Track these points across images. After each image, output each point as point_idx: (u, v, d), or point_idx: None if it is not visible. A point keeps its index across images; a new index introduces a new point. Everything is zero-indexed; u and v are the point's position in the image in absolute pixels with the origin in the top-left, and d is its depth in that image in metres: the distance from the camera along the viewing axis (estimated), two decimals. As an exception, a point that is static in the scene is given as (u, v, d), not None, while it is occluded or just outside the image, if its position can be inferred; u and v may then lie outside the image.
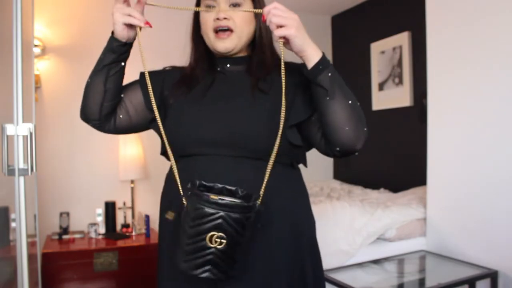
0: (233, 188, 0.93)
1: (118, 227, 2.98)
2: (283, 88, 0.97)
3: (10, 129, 1.10)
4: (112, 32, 1.06)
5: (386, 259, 2.24)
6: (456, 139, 2.22)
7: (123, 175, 2.93)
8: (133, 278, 2.60)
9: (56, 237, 2.75)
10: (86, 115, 1.11)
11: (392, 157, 3.31)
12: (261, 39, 1.11)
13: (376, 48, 3.41)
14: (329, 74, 0.97)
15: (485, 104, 2.07)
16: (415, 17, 2.92)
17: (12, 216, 1.29)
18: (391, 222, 2.27)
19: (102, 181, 3.05)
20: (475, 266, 2.07)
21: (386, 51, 3.32)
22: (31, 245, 1.41)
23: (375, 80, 3.43)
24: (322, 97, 0.97)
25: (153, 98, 1.02)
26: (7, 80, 1.12)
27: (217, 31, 1.06)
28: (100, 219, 2.86)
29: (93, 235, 2.79)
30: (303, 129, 1.08)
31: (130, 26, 1.05)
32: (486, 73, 2.06)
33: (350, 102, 0.98)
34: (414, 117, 3.07)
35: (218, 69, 1.13)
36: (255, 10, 1.05)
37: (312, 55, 0.96)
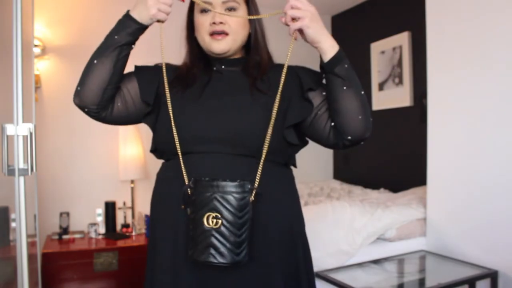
0: (233, 180, 0.97)
1: (118, 227, 2.98)
2: (280, 86, 1.01)
3: (10, 129, 1.10)
4: (127, 14, 1.04)
5: (386, 259, 2.24)
6: (456, 139, 2.22)
7: (123, 175, 2.93)
8: (133, 278, 2.60)
9: (56, 237, 2.75)
10: (84, 99, 1.05)
11: (392, 157, 3.31)
12: (257, 42, 1.14)
13: (376, 48, 3.42)
14: (346, 66, 1.01)
15: (485, 104, 2.07)
16: (415, 17, 2.92)
17: (12, 216, 1.29)
18: (391, 222, 2.27)
19: (102, 181, 3.05)
20: (475, 266, 2.07)
21: (386, 51, 3.32)
22: (31, 245, 1.41)
23: (375, 80, 3.44)
24: (339, 86, 1.01)
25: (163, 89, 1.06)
26: (7, 80, 1.12)
27: (212, 34, 1.09)
28: (100, 219, 2.86)
29: (93, 235, 2.79)
30: (306, 127, 1.09)
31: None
32: (486, 73, 2.06)
33: (362, 92, 1.03)
34: (414, 117, 3.07)
35: (214, 68, 1.14)
36: (276, 12, 1.05)
37: (328, 47, 1.00)
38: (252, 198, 0.97)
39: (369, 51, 3.48)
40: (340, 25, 3.90)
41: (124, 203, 3.02)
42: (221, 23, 1.07)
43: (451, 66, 2.24)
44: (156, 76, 1.14)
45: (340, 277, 1.96)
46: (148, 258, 1.15)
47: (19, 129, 1.10)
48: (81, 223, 2.97)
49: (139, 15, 1.02)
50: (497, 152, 2.02)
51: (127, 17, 1.03)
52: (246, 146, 1.03)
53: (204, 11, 1.09)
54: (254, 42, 1.14)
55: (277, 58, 1.21)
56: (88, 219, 2.96)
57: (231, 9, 1.09)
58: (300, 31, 0.99)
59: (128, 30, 1.03)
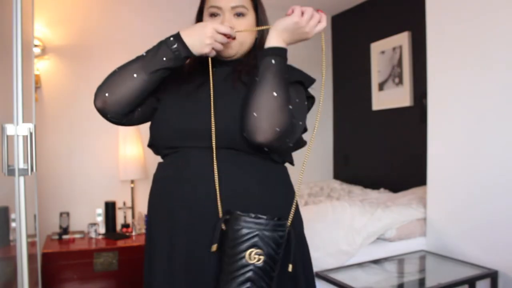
0: (264, 216, 0.97)
1: (118, 227, 2.98)
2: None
3: (10, 129, 1.10)
4: (180, 38, 1.01)
5: (386, 259, 2.24)
6: (456, 139, 2.22)
7: (123, 175, 2.93)
8: (133, 278, 2.60)
9: (56, 237, 2.75)
10: (109, 108, 1.05)
11: (392, 157, 3.31)
12: (260, 47, 1.11)
13: (376, 48, 3.41)
14: (272, 61, 0.98)
15: (485, 103, 2.07)
16: (415, 17, 2.92)
17: (12, 216, 1.29)
18: (391, 222, 2.27)
19: (102, 181, 3.05)
20: (475, 266, 2.07)
21: (386, 51, 3.32)
22: (31, 245, 1.41)
23: (375, 80, 3.43)
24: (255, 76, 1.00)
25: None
26: (7, 80, 1.12)
27: None
28: (100, 219, 2.86)
29: (93, 235, 2.79)
30: None
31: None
32: (486, 73, 2.06)
33: (275, 94, 0.96)
34: (414, 117, 3.07)
35: (215, 68, 1.14)
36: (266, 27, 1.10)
37: (273, 40, 1.00)
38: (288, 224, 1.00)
39: (369, 51, 3.48)
40: (340, 25, 3.90)
41: (124, 203, 3.02)
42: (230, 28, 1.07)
43: (451, 66, 2.24)
44: None
45: (340, 277, 1.96)
46: (145, 260, 1.15)
47: (19, 129, 1.10)
48: (81, 223, 2.97)
49: (192, 45, 1.01)
50: (497, 152, 2.02)
51: (180, 41, 1.01)
52: (230, 141, 1.03)
53: (213, 15, 1.11)
54: (259, 46, 1.13)
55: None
56: (88, 219, 2.95)
57: (239, 14, 1.10)
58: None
59: (179, 55, 1.01)
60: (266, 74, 0.97)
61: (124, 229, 2.93)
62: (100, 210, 2.87)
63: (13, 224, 1.26)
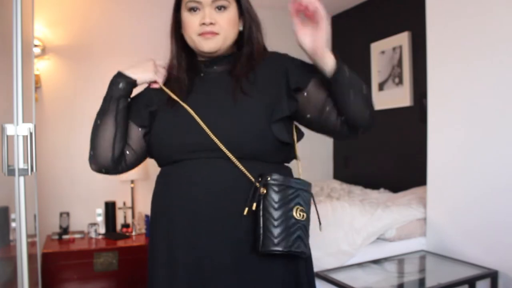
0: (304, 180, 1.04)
1: (118, 227, 2.98)
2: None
3: (10, 129, 1.09)
4: (119, 73, 1.11)
5: (386, 259, 2.24)
6: (456, 139, 2.22)
7: (123, 175, 2.93)
8: (133, 278, 2.60)
9: (56, 237, 2.75)
10: (99, 162, 1.13)
11: (392, 157, 3.31)
12: (250, 35, 1.11)
13: (376, 48, 3.41)
14: (347, 74, 1.01)
15: (485, 103, 2.07)
16: (415, 17, 2.92)
17: (12, 216, 1.29)
18: (391, 222, 2.27)
19: (102, 181, 3.04)
20: (475, 266, 2.07)
21: (386, 51, 3.32)
22: (31, 245, 1.41)
23: (375, 80, 3.43)
24: (345, 95, 1.01)
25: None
26: (7, 80, 1.12)
27: (201, 34, 1.06)
28: (100, 219, 2.86)
29: (93, 235, 2.79)
30: (312, 122, 1.08)
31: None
32: (487, 73, 2.06)
33: (364, 86, 1.04)
34: (414, 117, 3.07)
35: (202, 74, 1.12)
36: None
37: (330, 60, 1.01)
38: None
39: (369, 51, 3.48)
40: (340, 25, 3.90)
41: (124, 203, 3.02)
42: (211, 23, 1.04)
43: (451, 66, 2.23)
44: (147, 93, 1.17)
45: (340, 277, 1.96)
46: (148, 261, 1.15)
47: (19, 129, 1.10)
48: (81, 223, 2.97)
49: (134, 74, 1.10)
50: (497, 152, 2.02)
51: (120, 75, 1.10)
52: (234, 151, 1.01)
53: (192, 9, 1.06)
54: (247, 36, 1.11)
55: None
56: (88, 219, 2.95)
57: (220, 7, 1.06)
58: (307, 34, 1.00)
59: (121, 85, 1.09)
60: (353, 83, 1.02)
61: (124, 229, 2.93)
62: (100, 210, 2.87)
63: (13, 224, 1.26)
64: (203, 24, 1.04)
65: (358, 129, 1.06)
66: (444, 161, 2.29)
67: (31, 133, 1.12)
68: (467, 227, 2.15)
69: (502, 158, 2.00)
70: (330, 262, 2.10)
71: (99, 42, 3.09)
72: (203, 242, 1.01)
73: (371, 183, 3.43)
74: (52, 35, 2.97)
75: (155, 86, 1.12)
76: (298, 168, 1.16)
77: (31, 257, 1.32)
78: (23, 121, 1.11)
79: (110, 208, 2.89)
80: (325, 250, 2.11)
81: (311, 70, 1.06)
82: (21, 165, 1.10)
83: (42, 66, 2.94)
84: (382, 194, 3.03)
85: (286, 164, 1.14)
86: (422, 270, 2.19)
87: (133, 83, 1.10)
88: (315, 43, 0.99)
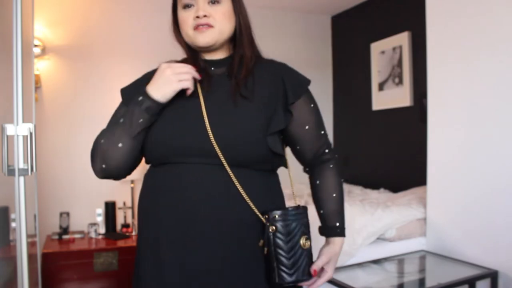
0: (297, 206, 1.08)
1: (118, 227, 2.98)
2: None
3: (10, 129, 1.09)
4: (148, 95, 1.01)
5: (386, 259, 2.24)
6: (456, 139, 2.22)
7: (123, 175, 2.93)
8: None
9: (56, 237, 2.75)
10: (110, 175, 1.12)
11: (392, 157, 3.31)
12: (241, 35, 1.10)
13: (376, 48, 3.41)
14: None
15: (485, 103, 2.07)
16: (415, 17, 2.92)
17: (12, 216, 1.29)
18: (391, 222, 2.27)
19: (102, 181, 3.02)
20: (475, 266, 2.07)
21: (386, 51, 3.32)
22: (31, 245, 1.41)
23: (375, 80, 3.43)
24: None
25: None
26: (7, 80, 1.12)
27: (196, 28, 1.06)
28: (100, 219, 2.86)
29: (93, 235, 2.79)
30: (294, 140, 1.15)
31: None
32: (487, 73, 2.06)
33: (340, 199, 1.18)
34: (414, 117, 3.07)
35: (200, 73, 1.11)
36: None
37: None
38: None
39: (369, 51, 3.48)
40: (340, 25, 3.90)
41: (124, 203, 3.02)
42: (205, 16, 1.04)
43: (451, 66, 2.24)
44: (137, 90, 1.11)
45: (340, 277, 1.96)
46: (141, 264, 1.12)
47: (19, 129, 1.10)
48: (81, 223, 2.97)
49: (163, 94, 1.01)
50: (497, 152, 2.02)
51: (148, 98, 1.01)
52: (231, 157, 1.00)
53: (187, 6, 1.06)
54: (239, 35, 1.10)
55: (266, 55, 1.18)
56: (88, 219, 2.95)
57: (214, 1, 1.05)
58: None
59: (154, 111, 1.02)
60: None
61: (124, 229, 2.93)
62: (100, 210, 2.87)
63: (13, 224, 1.26)
64: (197, 17, 1.04)
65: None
66: (444, 161, 2.29)
67: (31, 133, 1.12)
68: (467, 227, 2.15)
69: (502, 158, 2.00)
70: (330, 262, 2.10)
71: (99, 42, 3.09)
72: (191, 246, 1.00)
73: (371, 183, 3.43)
74: (52, 35, 2.97)
75: (188, 92, 1.04)
76: (290, 177, 1.20)
77: (31, 257, 1.32)
78: (23, 121, 1.11)
79: (110, 208, 2.89)
80: (325, 250, 2.11)
81: (303, 85, 1.12)
82: (21, 165, 1.10)
83: (42, 66, 2.94)
84: (382, 194, 3.03)
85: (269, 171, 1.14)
86: (422, 270, 2.19)
87: (161, 106, 1.02)
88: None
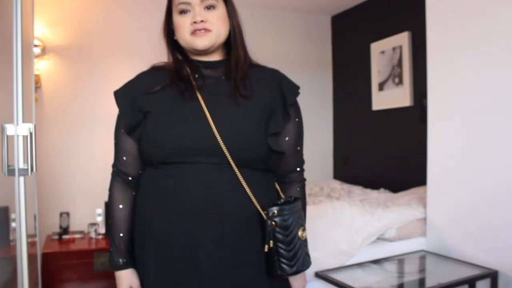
0: (280, 201, 1.11)
1: (118, 227, 2.98)
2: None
3: (10, 129, 1.09)
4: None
5: (386, 259, 2.24)
6: (456, 139, 2.22)
7: (123, 175, 2.93)
8: (133, 278, 2.60)
9: (56, 237, 2.75)
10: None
11: (392, 157, 3.31)
12: (235, 39, 1.13)
13: (376, 48, 3.42)
14: None
15: (485, 103, 2.07)
16: (415, 17, 2.92)
17: (12, 216, 1.29)
18: (391, 222, 2.27)
19: (102, 181, 3.03)
20: (475, 266, 2.07)
21: (386, 51, 3.32)
22: (31, 245, 1.41)
23: (375, 80, 3.44)
24: None
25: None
26: (7, 80, 1.12)
27: (193, 32, 1.08)
28: (100, 219, 2.86)
29: (93, 235, 2.79)
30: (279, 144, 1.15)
31: None
32: (487, 73, 2.06)
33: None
34: (414, 117, 3.07)
35: (196, 75, 1.13)
36: None
37: None
38: None
39: (369, 51, 3.48)
40: (340, 25, 3.90)
41: (124, 203, 3.02)
42: (202, 21, 1.07)
43: (451, 66, 2.24)
44: (131, 95, 1.15)
45: (340, 277, 1.96)
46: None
47: (19, 129, 1.10)
48: (81, 223, 2.97)
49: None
50: (497, 152, 2.02)
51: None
52: (233, 157, 1.04)
53: (183, 12, 1.09)
54: (233, 39, 1.13)
55: (257, 57, 1.21)
56: (88, 219, 2.96)
57: (210, 7, 1.08)
58: None
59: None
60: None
61: (124, 229, 2.93)
62: (100, 210, 2.87)
63: (13, 224, 1.26)
64: (195, 23, 1.07)
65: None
66: (444, 161, 2.29)
67: (31, 133, 1.12)
68: (467, 227, 2.15)
69: (502, 158, 2.00)
70: (330, 262, 2.10)
71: (99, 42, 3.09)
72: (200, 242, 1.03)
73: (371, 183, 3.43)
74: (52, 35, 2.97)
75: None
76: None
77: (31, 257, 1.32)
78: (23, 121, 1.11)
79: (110, 208, 2.88)
80: (325, 250, 2.11)
81: (295, 92, 1.16)
82: (21, 165, 1.10)
83: (42, 66, 2.94)
84: (382, 194, 3.03)
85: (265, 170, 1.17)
86: (422, 270, 2.19)
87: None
88: None
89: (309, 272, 1.94)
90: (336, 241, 2.14)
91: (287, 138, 1.14)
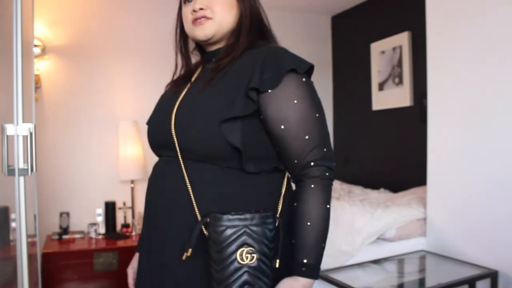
0: (241, 212, 0.89)
1: (118, 227, 2.98)
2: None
3: (10, 129, 1.09)
4: None
5: (386, 259, 2.24)
6: (456, 138, 2.22)
7: (123, 175, 2.93)
8: (133, 278, 2.60)
9: (56, 237, 2.75)
10: None
11: (392, 157, 3.31)
12: (241, 26, 1.03)
13: (376, 48, 3.41)
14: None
15: (485, 103, 2.07)
16: (415, 17, 2.92)
17: (12, 216, 1.29)
18: (391, 222, 2.27)
19: (102, 181, 3.05)
20: (475, 266, 2.07)
21: (386, 51, 3.32)
22: (31, 245, 1.41)
23: (375, 80, 3.43)
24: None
25: None
26: (7, 80, 1.12)
27: (194, 22, 1.02)
28: (100, 219, 2.86)
29: (93, 235, 2.79)
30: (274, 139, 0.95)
31: None
32: (487, 73, 2.06)
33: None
34: (414, 117, 3.07)
35: (200, 69, 1.10)
36: None
37: None
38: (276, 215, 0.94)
39: (369, 51, 3.48)
40: (340, 25, 3.90)
41: (124, 203, 3.02)
42: (201, 9, 0.99)
43: (451, 66, 2.24)
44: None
45: (340, 277, 1.96)
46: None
47: (19, 129, 1.10)
48: (81, 223, 2.97)
49: None
50: (497, 152, 2.02)
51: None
52: (187, 151, 0.93)
53: (187, 0, 1.03)
54: (239, 26, 1.03)
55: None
56: (88, 219, 2.95)
57: None
58: None
59: None
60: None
61: (124, 229, 2.93)
62: (100, 210, 2.87)
63: (13, 224, 1.26)
64: (194, 11, 1.00)
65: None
66: (444, 161, 2.29)
67: (31, 133, 1.12)
68: (467, 227, 2.15)
69: (502, 158, 2.00)
70: (330, 262, 2.10)
71: (99, 42, 3.09)
72: (152, 241, 1.01)
73: (371, 183, 3.43)
74: (52, 35, 2.97)
75: None
76: (283, 181, 1.00)
77: (31, 257, 1.32)
78: (23, 121, 1.11)
79: (110, 208, 2.88)
80: (325, 250, 2.11)
81: (280, 69, 0.92)
82: (21, 165, 1.10)
83: (42, 66, 2.94)
84: (382, 194, 3.03)
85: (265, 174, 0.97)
86: (422, 270, 2.19)
87: None
88: None
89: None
90: (336, 241, 2.14)
91: (282, 127, 0.91)
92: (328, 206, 0.94)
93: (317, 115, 0.95)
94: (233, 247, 0.85)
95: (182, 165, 0.93)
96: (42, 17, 2.93)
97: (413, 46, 3.10)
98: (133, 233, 2.86)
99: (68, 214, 2.89)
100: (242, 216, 0.87)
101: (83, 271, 2.54)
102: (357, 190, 3.32)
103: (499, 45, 2.00)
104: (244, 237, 0.86)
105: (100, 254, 2.56)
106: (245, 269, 0.85)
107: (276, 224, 0.91)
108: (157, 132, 1.02)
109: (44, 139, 2.89)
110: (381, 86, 3.38)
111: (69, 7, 3.02)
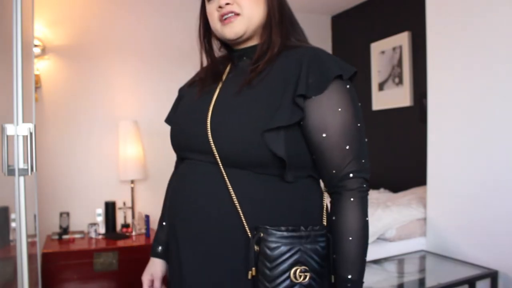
0: (302, 227, 0.87)
1: (118, 227, 2.98)
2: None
3: (10, 129, 1.09)
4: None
5: (386, 259, 2.24)
6: (456, 139, 2.22)
7: (123, 175, 2.93)
8: (133, 278, 2.60)
9: (56, 237, 2.75)
10: None
11: (392, 157, 3.31)
12: (269, 20, 0.97)
13: (376, 48, 3.41)
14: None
15: (485, 103, 2.07)
16: (415, 17, 2.92)
17: (12, 216, 1.29)
18: (391, 222, 2.27)
19: (102, 181, 3.05)
20: (475, 266, 2.07)
21: (386, 51, 3.32)
22: (31, 245, 1.41)
23: (375, 80, 3.43)
24: None
25: None
26: (7, 80, 1.12)
27: (222, 20, 0.95)
28: (100, 219, 2.86)
29: (93, 235, 2.79)
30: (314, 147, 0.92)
31: None
32: (486, 73, 2.06)
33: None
34: (414, 117, 3.07)
35: (228, 67, 1.04)
36: None
37: None
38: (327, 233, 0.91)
39: (369, 51, 3.48)
40: (340, 25, 3.90)
41: (124, 203, 3.02)
42: (227, 4, 0.93)
43: (451, 66, 2.24)
44: (186, 85, 1.13)
45: (340, 277, 1.95)
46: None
47: (19, 129, 1.10)
48: (81, 223, 2.97)
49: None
50: (497, 152, 2.02)
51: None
52: (223, 156, 0.89)
53: None
54: (267, 20, 0.97)
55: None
56: (88, 219, 2.95)
57: None
58: None
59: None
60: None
61: (124, 229, 2.93)
62: (100, 210, 2.87)
63: (13, 224, 1.26)
64: (220, 7, 0.94)
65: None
66: (444, 161, 2.29)
67: (31, 133, 1.12)
68: (467, 227, 2.15)
69: (502, 158, 2.00)
70: (330, 262, 2.10)
71: (99, 42, 3.09)
72: (182, 247, 0.96)
73: (371, 183, 3.40)
74: (52, 35, 2.97)
75: None
76: (319, 190, 0.98)
77: (31, 257, 1.32)
78: (23, 121, 1.11)
79: (110, 208, 2.88)
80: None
81: (327, 75, 0.89)
82: (21, 165, 1.10)
83: (42, 66, 2.94)
84: (382, 194, 3.03)
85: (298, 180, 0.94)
86: (422, 270, 2.19)
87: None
88: None
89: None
90: (336, 241, 2.14)
91: (324, 135, 0.88)
92: (367, 219, 0.94)
93: (359, 125, 0.92)
94: (286, 265, 0.83)
95: (223, 172, 0.89)
96: (42, 17, 2.93)
97: (413, 46, 3.10)
98: (133, 233, 2.86)
99: (68, 214, 2.89)
100: (297, 234, 0.85)
101: (83, 271, 2.54)
102: (357, 190, 3.31)
103: (499, 45, 2.00)
104: (298, 256, 0.84)
105: (100, 254, 2.56)
106: (297, 286, 0.84)
107: (327, 241, 0.89)
108: (188, 135, 0.96)
109: (44, 139, 2.89)
110: (381, 86, 3.38)
111: (69, 7, 3.02)
